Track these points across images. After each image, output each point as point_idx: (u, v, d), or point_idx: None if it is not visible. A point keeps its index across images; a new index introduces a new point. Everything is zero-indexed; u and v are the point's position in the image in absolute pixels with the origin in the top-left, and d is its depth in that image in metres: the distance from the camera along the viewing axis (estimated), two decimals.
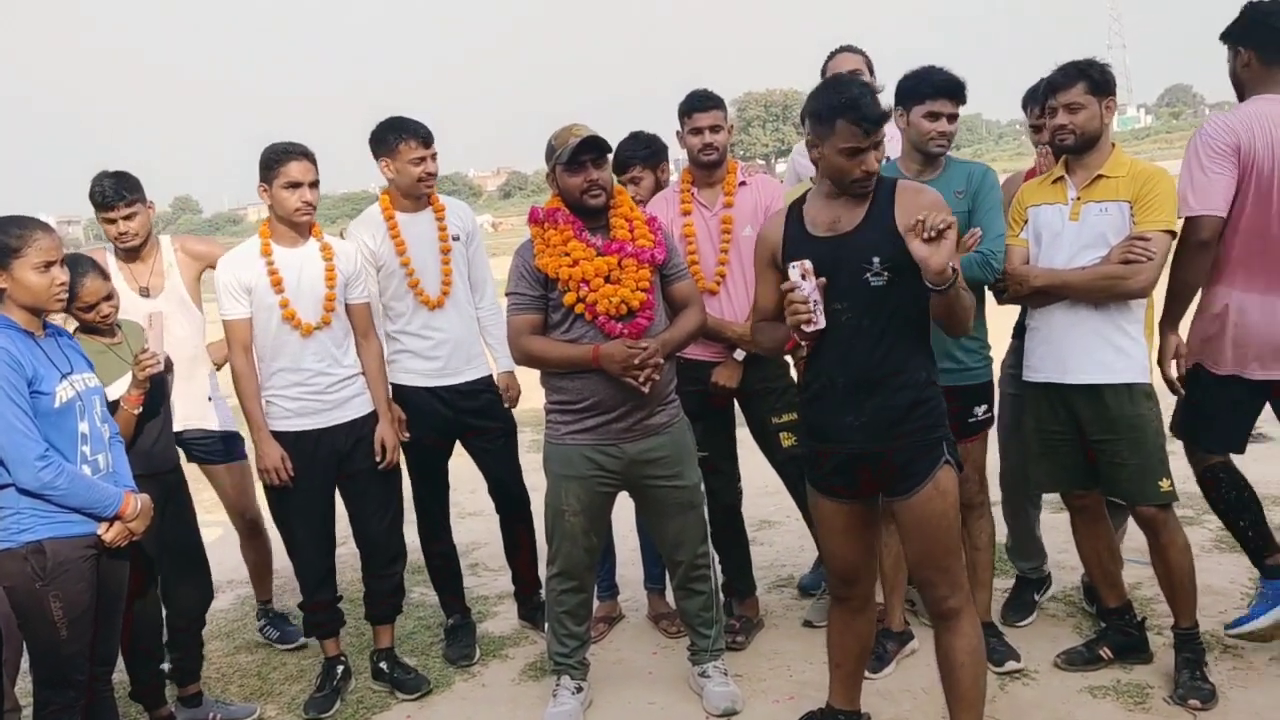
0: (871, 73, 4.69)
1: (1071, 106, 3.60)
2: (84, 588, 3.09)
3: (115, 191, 4.26)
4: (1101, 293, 3.59)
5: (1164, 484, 3.62)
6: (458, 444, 4.55)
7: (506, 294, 3.80)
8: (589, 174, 3.66)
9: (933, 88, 3.78)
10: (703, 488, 3.96)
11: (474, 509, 6.05)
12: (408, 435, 4.30)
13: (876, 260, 2.99)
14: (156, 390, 3.77)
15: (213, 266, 4.46)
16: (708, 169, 4.29)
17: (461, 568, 4.78)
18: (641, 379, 3.57)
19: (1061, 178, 3.74)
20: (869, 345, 3.04)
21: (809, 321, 3.00)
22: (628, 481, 3.82)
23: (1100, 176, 3.64)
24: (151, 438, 3.78)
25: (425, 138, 4.30)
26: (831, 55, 4.80)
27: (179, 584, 4.04)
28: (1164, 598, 3.81)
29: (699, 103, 4.27)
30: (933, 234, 2.83)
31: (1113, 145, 3.70)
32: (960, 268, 3.01)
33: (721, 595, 4.70)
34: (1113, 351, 3.61)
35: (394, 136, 4.27)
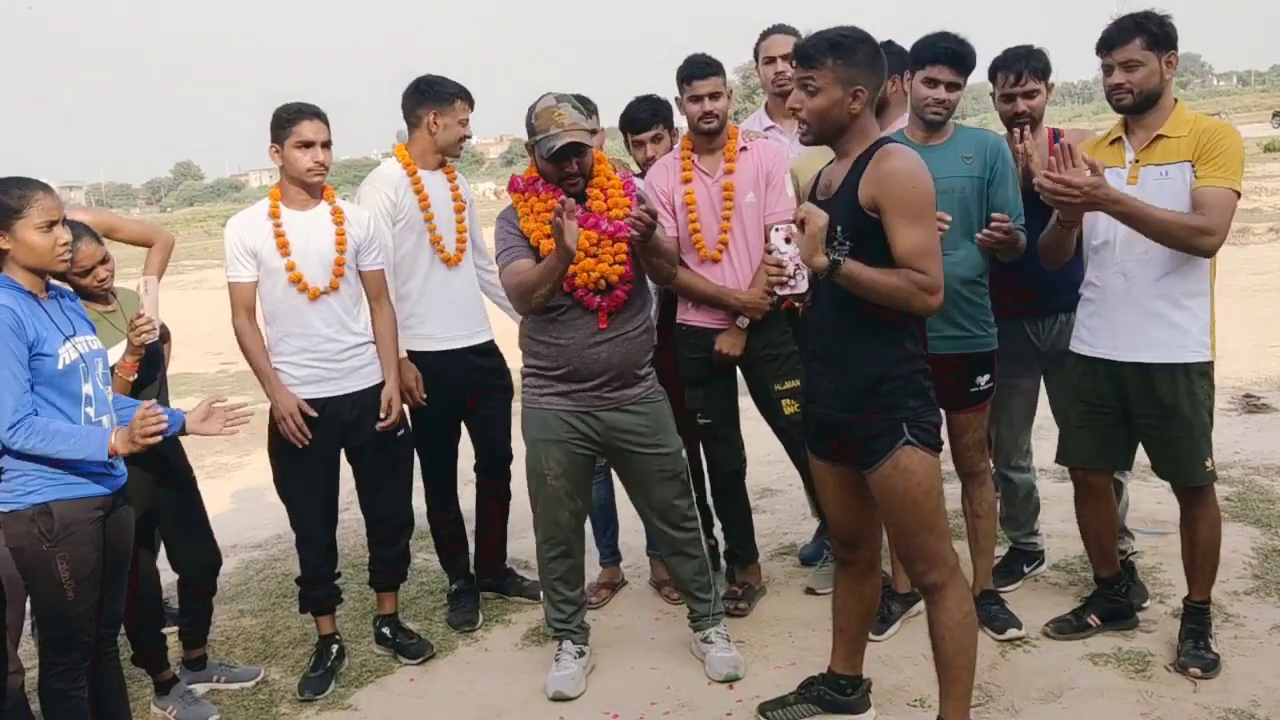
0: None
1: (1129, 64, 3.44)
2: (91, 549, 3.10)
3: None
4: (1174, 238, 3.35)
5: (1208, 464, 3.55)
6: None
7: (498, 255, 3.79)
8: (569, 167, 3.66)
9: (933, 54, 3.74)
10: (684, 454, 3.96)
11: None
12: (425, 398, 4.28)
13: (839, 229, 2.95)
14: (152, 358, 3.77)
15: (108, 235, 4.31)
16: (708, 136, 4.26)
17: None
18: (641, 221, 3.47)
19: (1119, 139, 3.60)
20: (837, 314, 3.02)
21: (782, 284, 3.01)
22: (607, 447, 3.82)
23: (1160, 137, 3.47)
24: None
25: (472, 101, 4.35)
26: (765, 35, 4.72)
27: (183, 550, 4.05)
28: (1176, 567, 3.80)
29: (698, 70, 4.21)
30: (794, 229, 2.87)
31: (1175, 101, 3.53)
32: (842, 258, 2.89)
33: (721, 561, 4.74)
34: (1168, 328, 3.48)
35: (451, 92, 4.31)
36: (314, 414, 3.95)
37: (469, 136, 4.40)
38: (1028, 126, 3.96)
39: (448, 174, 4.45)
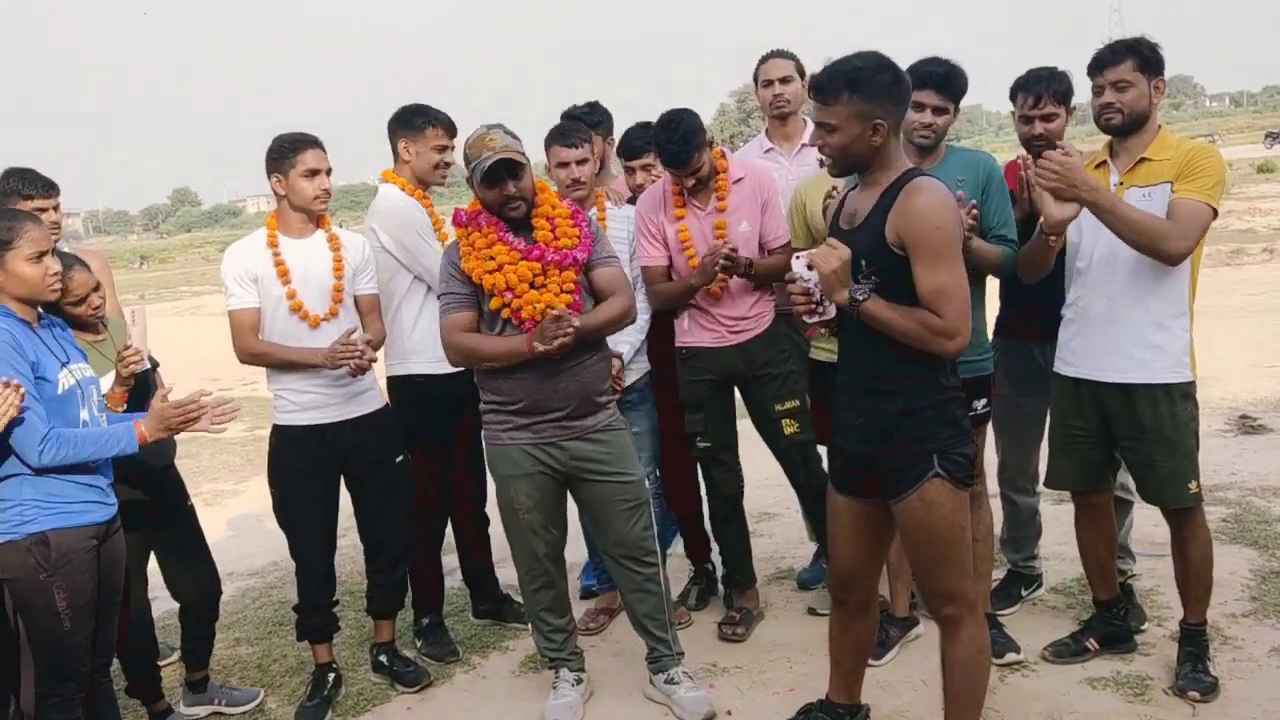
0: (803, 77, 4.67)
1: (1119, 84, 3.48)
2: (87, 578, 3.09)
3: (31, 185, 3.98)
4: (1142, 238, 3.38)
5: (1192, 486, 3.56)
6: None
7: (439, 295, 3.77)
8: (506, 189, 3.62)
9: (919, 79, 3.72)
10: (647, 484, 3.94)
11: None
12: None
13: (864, 261, 2.92)
14: (142, 387, 3.77)
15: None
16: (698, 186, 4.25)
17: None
18: (554, 346, 3.51)
19: (1105, 162, 3.62)
20: (865, 346, 3.00)
21: (810, 312, 3.01)
22: (570, 476, 3.78)
23: (1144, 160, 3.52)
24: None
25: (450, 128, 4.33)
26: (764, 59, 4.75)
27: (183, 579, 4.05)
28: (1174, 590, 3.77)
29: (674, 161, 4.11)
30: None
31: (1159, 127, 3.57)
32: (864, 296, 2.88)
33: (719, 586, 4.73)
34: (1150, 350, 3.50)
35: (421, 119, 4.30)
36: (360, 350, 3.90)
37: (449, 164, 4.35)
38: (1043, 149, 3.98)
39: (424, 203, 4.41)
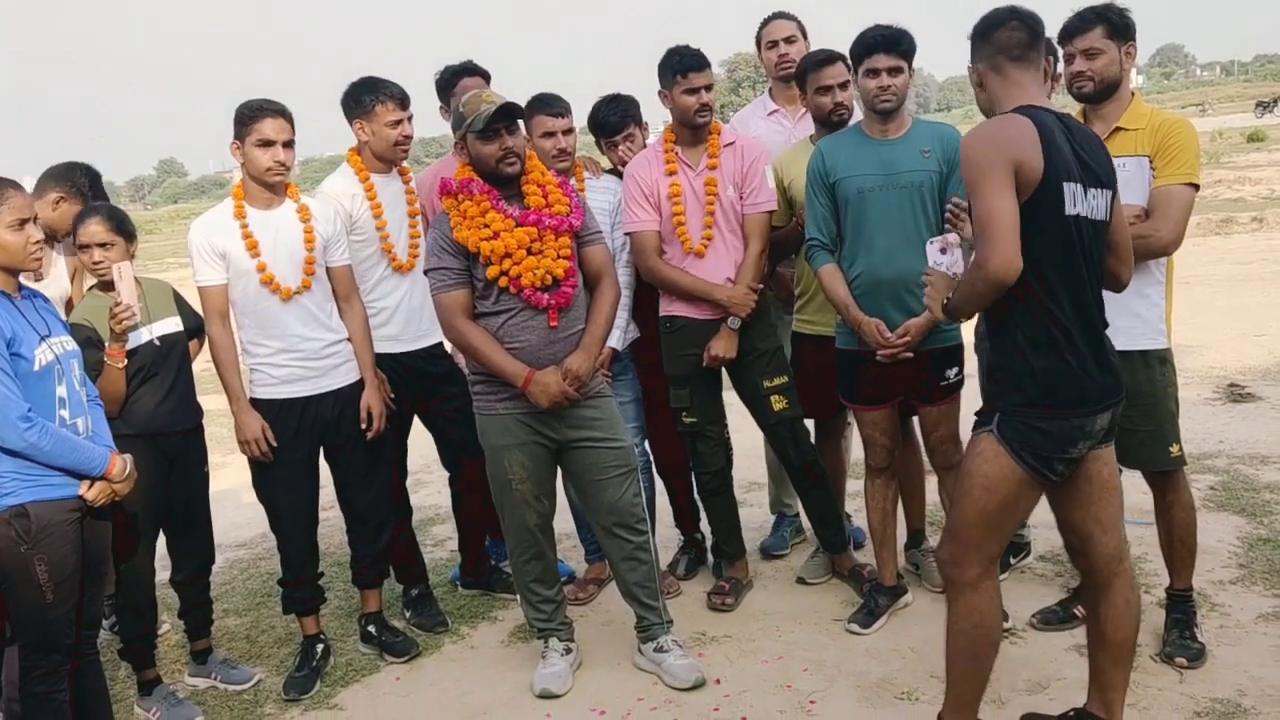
0: (805, 38, 4.70)
1: (1089, 52, 3.49)
2: (69, 550, 3.07)
3: None
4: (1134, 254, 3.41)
5: (1174, 449, 3.58)
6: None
7: (427, 270, 3.73)
8: (504, 141, 3.60)
9: (866, 46, 3.80)
10: (636, 453, 3.93)
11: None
12: (393, 396, 4.24)
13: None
14: (169, 350, 3.84)
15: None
16: (699, 129, 4.23)
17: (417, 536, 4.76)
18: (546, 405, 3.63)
19: None
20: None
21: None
22: (563, 444, 3.77)
23: (1118, 129, 3.52)
24: (154, 400, 3.78)
25: (402, 99, 4.20)
26: (766, 21, 4.75)
27: (179, 545, 4.07)
28: (1161, 557, 3.77)
29: (694, 62, 4.16)
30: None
31: (1132, 94, 3.59)
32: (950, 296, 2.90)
33: (709, 556, 4.73)
34: (1128, 316, 3.48)
35: (370, 97, 4.16)
36: (275, 444, 3.93)
37: (409, 135, 4.23)
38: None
39: (403, 176, 4.34)
